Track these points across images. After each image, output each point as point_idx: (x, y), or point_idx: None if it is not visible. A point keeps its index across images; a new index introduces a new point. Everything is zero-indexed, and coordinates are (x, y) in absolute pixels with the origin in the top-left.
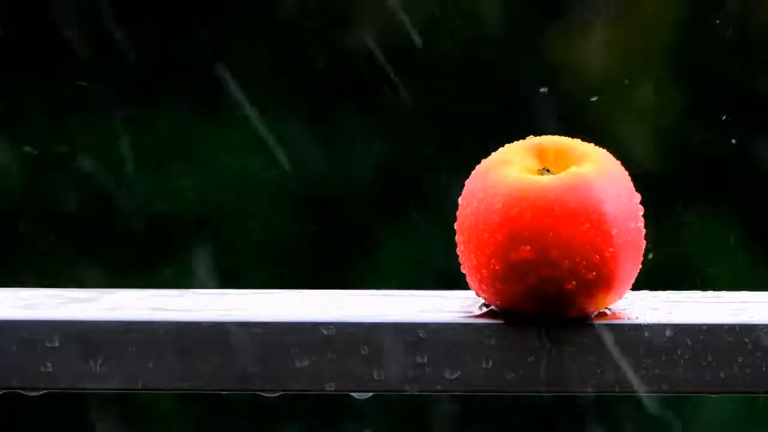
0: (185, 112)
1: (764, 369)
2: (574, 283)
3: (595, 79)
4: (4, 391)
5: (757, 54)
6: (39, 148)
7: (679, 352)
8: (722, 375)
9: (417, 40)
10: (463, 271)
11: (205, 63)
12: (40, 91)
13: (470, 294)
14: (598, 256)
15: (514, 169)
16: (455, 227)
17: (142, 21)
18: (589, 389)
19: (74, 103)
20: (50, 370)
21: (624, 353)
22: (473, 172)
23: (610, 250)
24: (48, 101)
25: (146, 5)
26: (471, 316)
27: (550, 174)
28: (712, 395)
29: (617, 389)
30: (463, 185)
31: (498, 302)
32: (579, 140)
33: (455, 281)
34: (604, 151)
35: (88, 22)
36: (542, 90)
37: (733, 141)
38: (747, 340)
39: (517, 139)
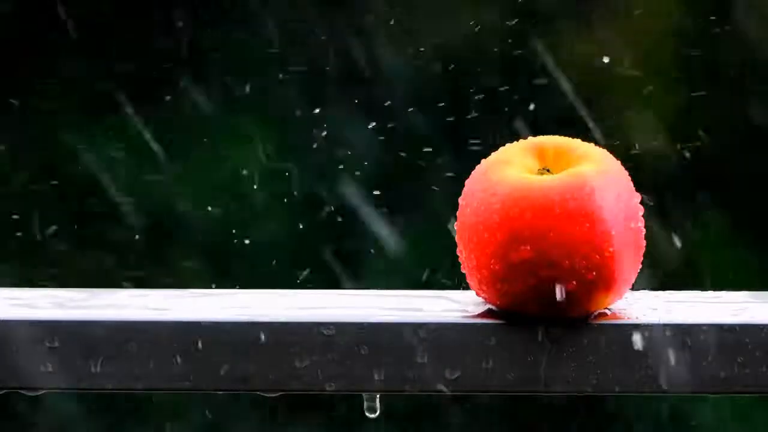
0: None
1: (764, 369)
2: (574, 283)
3: (596, 77)
4: (4, 391)
5: (760, 53)
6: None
7: (679, 352)
8: (722, 375)
9: (414, 36)
10: (463, 271)
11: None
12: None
13: (470, 294)
14: (598, 256)
15: (514, 169)
16: (455, 227)
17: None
18: (589, 389)
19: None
20: (50, 370)
21: (624, 353)
22: (473, 172)
23: (610, 250)
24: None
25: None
26: (471, 316)
27: (550, 174)
28: (712, 395)
29: (617, 389)
30: (464, 185)
31: (498, 302)
32: (579, 140)
33: (455, 281)
34: (604, 151)
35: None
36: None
37: (735, 141)
38: (747, 340)
39: (517, 139)
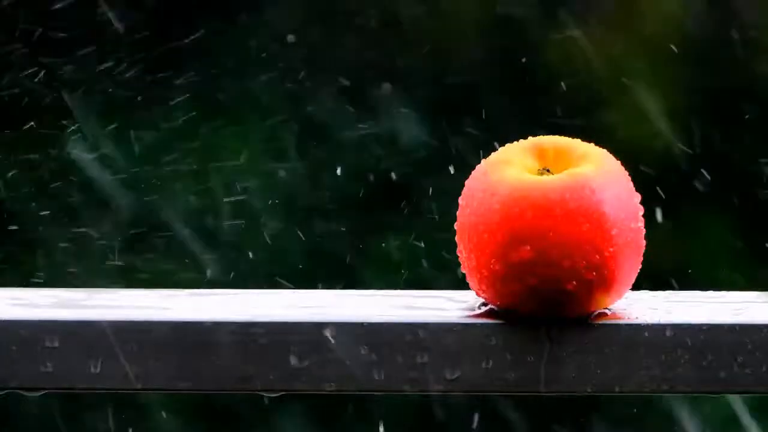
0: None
1: (764, 369)
2: (574, 283)
3: (596, 78)
4: (5, 391)
5: (760, 53)
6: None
7: (679, 352)
8: (722, 375)
9: (416, 37)
10: (463, 271)
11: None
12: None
13: (470, 294)
14: (598, 256)
15: (514, 169)
16: (455, 227)
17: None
18: (589, 389)
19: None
20: (50, 370)
21: (624, 353)
22: (473, 172)
23: (610, 250)
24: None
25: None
26: (471, 316)
27: (550, 174)
28: (712, 395)
29: (617, 389)
30: (464, 185)
31: (498, 302)
32: (579, 140)
33: (455, 281)
34: (604, 151)
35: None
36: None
37: (736, 141)
38: (747, 340)
39: (518, 139)
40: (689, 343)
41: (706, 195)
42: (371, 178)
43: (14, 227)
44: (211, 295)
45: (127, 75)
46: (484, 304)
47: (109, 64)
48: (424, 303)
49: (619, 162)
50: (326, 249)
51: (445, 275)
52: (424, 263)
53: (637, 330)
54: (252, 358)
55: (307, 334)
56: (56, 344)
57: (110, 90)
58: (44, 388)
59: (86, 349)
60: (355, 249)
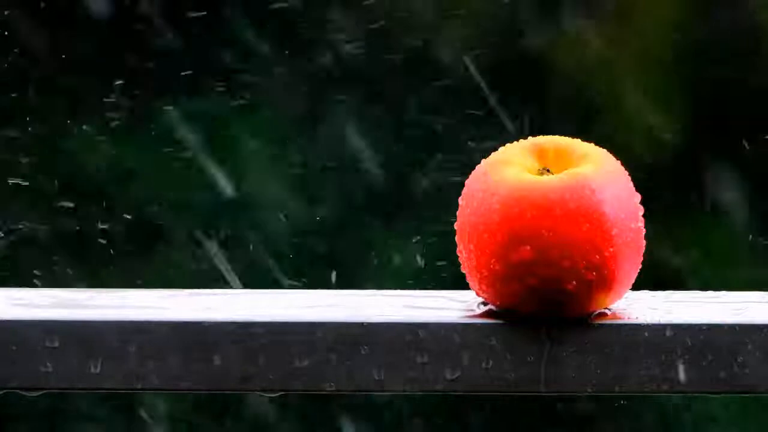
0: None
1: (764, 369)
2: (574, 283)
3: (596, 78)
4: (4, 391)
5: (759, 51)
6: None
7: (679, 352)
8: (722, 375)
9: (416, 38)
10: (463, 271)
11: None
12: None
13: (470, 294)
14: (598, 256)
15: (514, 169)
16: (455, 227)
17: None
18: (589, 389)
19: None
20: (50, 370)
21: (624, 353)
22: (473, 172)
23: (610, 250)
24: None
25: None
26: (471, 316)
27: (550, 174)
28: (712, 395)
29: (617, 389)
30: (463, 185)
31: (498, 302)
32: (579, 140)
33: (455, 281)
34: (604, 151)
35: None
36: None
37: (735, 140)
38: (747, 340)
39: (517, 140)
40: (689, 343)
41: (706, 195)
42: (375, 173)
43: None
44: (211, 295)
45: None
46: (484, 304)
47: None
48: (424, 303)
49: (619, 162)
50: (326, 247)
51: (445, 275)
52: (425, 263)
53: (637, 330)
54: (252, 358)
55: (307, 334)
56: (56, 344)
57: None
58: (44, 388)
59: (86, 349)
60: (355, 247)
